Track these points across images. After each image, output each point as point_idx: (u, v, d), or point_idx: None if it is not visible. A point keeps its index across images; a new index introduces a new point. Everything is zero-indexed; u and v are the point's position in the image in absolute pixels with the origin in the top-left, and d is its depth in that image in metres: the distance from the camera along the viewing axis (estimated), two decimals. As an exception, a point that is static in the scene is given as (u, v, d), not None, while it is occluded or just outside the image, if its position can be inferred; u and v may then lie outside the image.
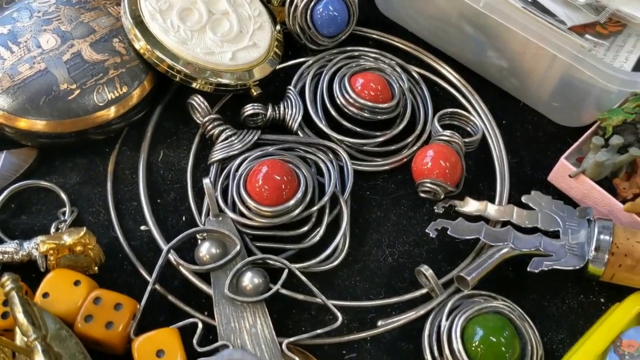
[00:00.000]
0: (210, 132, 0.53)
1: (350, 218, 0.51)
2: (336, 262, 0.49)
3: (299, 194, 0.48)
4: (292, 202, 0.48)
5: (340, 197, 0.51)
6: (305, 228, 0.49)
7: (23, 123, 0.49)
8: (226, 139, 0.52)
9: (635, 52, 0.59)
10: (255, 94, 0.55)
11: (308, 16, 0.58)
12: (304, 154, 0.53)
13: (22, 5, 0.54)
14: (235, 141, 0.52)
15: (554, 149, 0.56)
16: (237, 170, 0.50)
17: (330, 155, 0.53)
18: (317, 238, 0.49)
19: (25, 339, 0.37)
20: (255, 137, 0.53)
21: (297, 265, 0.47)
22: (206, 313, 0.46)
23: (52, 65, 0.51)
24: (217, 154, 0.52)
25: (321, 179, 0.51)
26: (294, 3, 0.58)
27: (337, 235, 0.49)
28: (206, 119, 0.53)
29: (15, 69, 0.50)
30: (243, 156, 0.51)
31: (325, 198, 0.50)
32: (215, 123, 0.53)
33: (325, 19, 0.58)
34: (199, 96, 0.53)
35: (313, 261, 0.48)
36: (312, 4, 0.58)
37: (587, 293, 0.50)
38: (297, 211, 0.48)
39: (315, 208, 0.49)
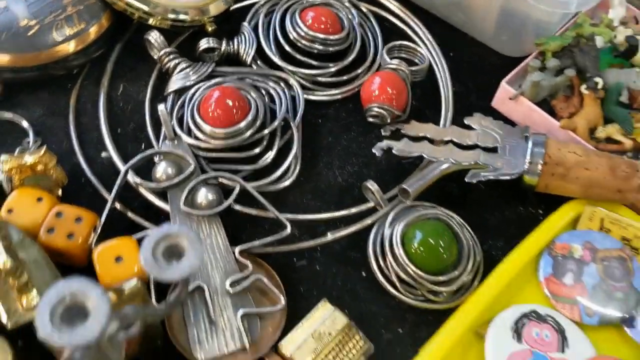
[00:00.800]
0: (167, 66, 0.55)
1: (303, 143, 0.54)
2: (288, 182, 0.52)
3: (250, 117, 0.51)
4: (243, 123, 0.50)
5: (291, 122, 0.53)
6: (257, 150, 0.52)
7: (-15, 58, 0.52)
8: (181, 70, 0.55)
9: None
10: (210, 29, 0.58)
11: None
12: (257, 83, 0.55)
13: (-17, -51, 0.56)
14: (191, 72, 0.55)
15: (498, 78, 0.59)
16: (191, 98, 0.53)
17: (283, 85, 0.56)
18: (269, 159, 0.52)
19: (-12, 241, 0.40)
20: (210, 69, 0.55)
21: (251, 184, 0.50)
22: (165, 229, 0.49)
23: (13, 3, 0.53)
24: (173, 85, 0.54)
25: (273, 106, 0.54)
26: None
27: (289, 157, 0.52)
28: (162, 52, 0.55)
29: (-23, 7, 0.52)
30: (198, 86, 0.54)
31: (276, 122, 0.52)
32: (171, 56, 0.55)
33: None
34: (156, 31, 0.56)
35: (265, 180, 0.51)
36: None
37: (526, 206, 0.53)
38: (248, 133, 0.51)
39: (266, 131, 0.52)
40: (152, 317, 0.34)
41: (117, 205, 0.49)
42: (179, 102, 0.53)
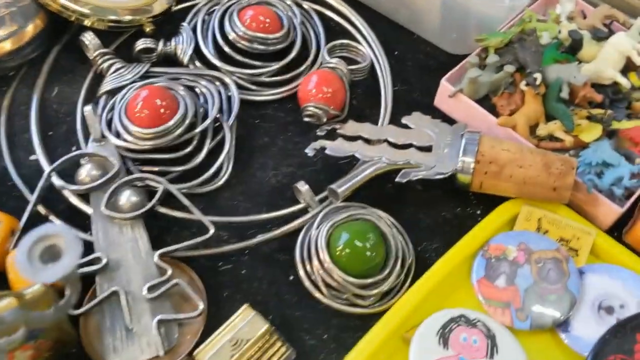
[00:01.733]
0: (100, 66, 0.55)
1: (238, 144, 0.53)
2: (219, 183, 0.51)
3: (178, 116, 0.50)
4: (171, 122, 0.50)
5: (223, 122, 0.52)
6: (187, 150, 0.51)
7: None
8: (115, 71, 0.54)
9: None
10: (148, 30, 0.57)
11: None
12: (190, 83, 0.54)
13: None
14: (125, 73, 0.54)
15: (443, 76, 0.58)
16: (121, 99, 0.52)
17: (218, 84, 0.55)
18: (199, 160, 0.51)
19: None
20: (144, 69, 0.54)
21: (179, 186, 0.49)
22: (89, 233, 0.48)
23: (-58, 5, 0.53)
24: (105, 85, 0.54)
25: (206, 106, 0.53)
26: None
27: (220, 158, 0.51)
28: (96, 53, 0.55)
29: None
30: (129, 87, 0.53)
31: (207, 121, 0.51)
32: (105, 57, 0.55)
33: None
34: (90, 32, 0.55)
35: (195, 182, 0.50)
36: None
37: (464, 206, 0.52)
38: (176, 132, 0.50)
39: (196, 131, 0.51)
40: (37, 322, 0.33)
41: (41, 209, 0.48)
42: (110, 104, 0.53)
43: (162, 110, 0.50)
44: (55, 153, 0.52)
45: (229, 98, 0.54)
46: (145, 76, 0.54)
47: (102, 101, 0.53)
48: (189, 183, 0.50)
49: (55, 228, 0.31)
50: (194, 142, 0.51)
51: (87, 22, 0.55)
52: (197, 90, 0.54)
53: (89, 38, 0.55)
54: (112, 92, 0.54)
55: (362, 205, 0.49)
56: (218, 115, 0.52)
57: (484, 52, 0.56)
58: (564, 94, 0.52)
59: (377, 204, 0.50)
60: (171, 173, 0.51)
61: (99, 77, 0.56)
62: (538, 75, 0.52)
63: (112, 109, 0.52)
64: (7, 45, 0.53)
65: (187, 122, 0.50)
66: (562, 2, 0.59)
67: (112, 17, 0.55)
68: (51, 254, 0.31)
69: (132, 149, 0.50)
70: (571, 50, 0.55)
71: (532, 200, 0.49)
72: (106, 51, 0.55)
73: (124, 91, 0.53)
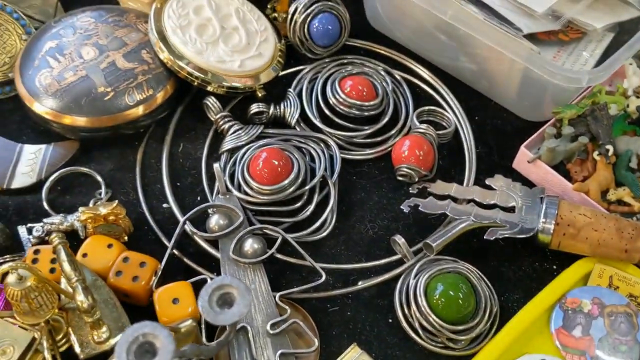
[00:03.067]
0: (222, 127, 0.63)
1: (338, 198, 0.60)
2: (324, 234, 0.58)
3: (292, 176, 0.58)
4: (286, 181, 0.57)
5: (328, 179, 0.60)
6: (298, 204, 0.58)
7: (67, 120, 0.60)
8: (234, 132, 0.62)
9: (594, 56, 0.67)
10: (260, 95, 0.65)
11: (305, 30, 0.68)
12: (299, 144, 0.62)
13: (67, 24, 0.65)
14: (242, 134, 0.62)
15: (519, 140, 0.64)
16: (242, 157, 0.60)
17: (322, 145, 0.62)
18: (308, 213, 0.58)
19: (68, 282, 0.47)
20: (259, 131, 0.63)
21: (291, 235, 0.56)
22: (215, 273, 0.55)
23: (92, 72, 0.62)
24: (226, 145, 0.62)
25: (313, 165, 0.61)
26: (294, 19, 0.68)
27: (325, 211, 0.59)
28: (218, 115, 0.63)
29: (62, 76, 0.61)
30: (248, 146, 0.61)
31: (315, 179, 0.59)
32: (226, 119, 0.63)
33: (320, 32, 0.67)
34: (213, 97, 0.63)
35: (304, 232, 0.57)
36: (309, 19, 0.68)
37: (541, 261, 0.58)
38: (290, 189, 0.58)
39: (306, 188, 0.59)
40: (206, 354, 0.40)
41: (175, 252, 0.56)
42: (231, 160, 0.61)
43: (279, 169, 0.57)
44: (184, 202, 0.60)
45: (331, 157, 0.62)
46: (259, 137, 0.62)
47: (223, 157, 0.61)
48: (300, 233, 0.57)
49: (229, 280, 0.38)
50: (304, 197, 0.59)
51: (209, 88, 0.63)
52: (304, 149, 0.62)
53: (212, 102, 0.63)
54: (231, 150, 0.62)
55: (454, 259, 0.55)
56: (323, 174, 0.60)
57: (559, 122, 0.63)
58: (633, 164, 0.58)
59: (463, 256, 0.57)
60: (284, 223, 0.58)
61: (217, 135, 0.64)
62: (610, 147, 0.58)
63: (233, 164, 0.60)
64: (141, 109, 0.62)
65: (299, 180, 0.58)
66: (629, 76, 0.66)
67: (230, 84, 0.64)
68: (224, 301, 0.39)
69: (252, 202, 0.58)
70: (638, 122, 0.62)
71: (604, 259, 0.56)
72: (226, 114, 0.63)
73: (243, 150, 0.61)
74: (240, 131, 0.62)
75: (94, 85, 0.61)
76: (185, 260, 0.56)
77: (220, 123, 0.63)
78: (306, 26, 0.68)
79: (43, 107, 0.60)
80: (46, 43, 0.64)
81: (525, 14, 0.64)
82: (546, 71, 0.58)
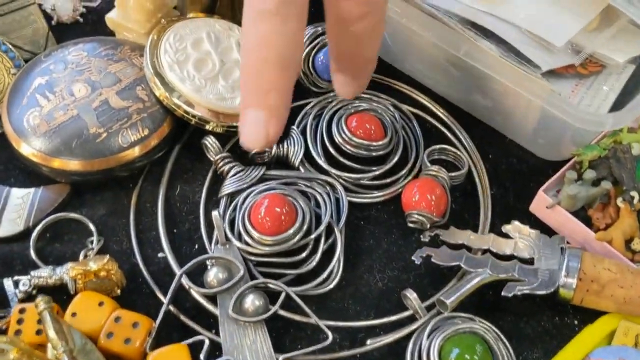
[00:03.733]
0: (221, 169, 0.59)
1: (345, 245, 0.56)
2: (330, 286, 0.54)
3: (297, 224, 0.54)
4: (290, 231, 0.54)
5: (335, 227, 0.56)
6: (303, 255, 0.55)
7: (57, 163, 0.57)
8: (235, 174, 0.59)
9: (615, 90, 0.63)
10: None
11: (310, 63, 0.64)
12: (304, 187, 0.59)
13: (58, 58, 0.62)
14: (243, 176, 0.59)
15: (536, 181, 0.61)
16: (243, 203, 0.57)
17: (328, 189, 0.59)
18: (314, 264, 0.55)
19: (55, 352, 0.44)
20: (261, 173, 0.59)
21: (295, 289, 0.53)
22: (213, 331, 0.52)
23: (83, 112, 0.58)
24: (226, 188, 0.58)
25: (318, 211, 0.57)
26: (298, 51, 0.64)
27: (332, 261, 0.55)
28: (217, 156, 0.59)
29: (52, 115, 0.58)
30: (249, 190, 0.57)
31: (321, 228, 0.55)
32: (226, 160, 0.59)
33: (325, 65, 0.64)
34: (212, 137, 0.60)
35: (309, 285, 0.54)
36: (314, 52, 0.64)
37: (562, 315, 0.55)
38: (295, 239, 0.54)
39: (312, 237, 0.55)
40: None
41: (171, 308, 0.53)
42: (232, 206, 0.57)
43: (282, 218, 0.54)
44: (181, 251, 0.57)
45: (337, 201, 0.58)
46: (262, 179, 0.59)
47: (222, 202, 0.58)
48: (305, 286, 0.54)
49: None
50: (309, 247, 0.55)
51: (207, 127, 0.60)
52: (309, 194, 0.58)
53: (211, 142, 0.60)
54: (231, 194, 0.58)
55: (470, 317, 0.52)
56: (329, 220, 0.56)
57: (579, 164, 0.59)
58: (660, 212, 0.55)
59: (479, 311, 0.53)
60: (287, 275, 0.55)
61: (216, 176, 0.61)
62: (635, 194, 0.55)
63: (233, 210, 0.57)
64: (137, 150, 0.58)
65: (304, 228, 0.54)
66: (652, 113, 0.62)
67: (230, 123, 0.60)
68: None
69: (253, 252, 0.54)
70: (663, 164, 0.58)
71: (630, 316, 0.52)
72: (226, 155, 0.60)
73: (244, 194, 0.57)
74: (241, 173, 0.59)
75: (86, 125, 0.57)
76: (182, 317, 0.52)
77: (220, 164, 0.59)
78: (310, 59, 0.64)
79: (31, 149, 0.57)
80: (35, 79, 0.60)
81: (543, 49, 0.60)
82: (567, 114, 0.54)
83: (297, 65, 0.48)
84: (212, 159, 0.60)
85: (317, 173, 0.60)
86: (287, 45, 0.46)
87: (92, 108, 0.58)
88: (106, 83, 0.60)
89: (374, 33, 0.52)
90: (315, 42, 0.64)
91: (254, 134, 0.47)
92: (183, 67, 0.60)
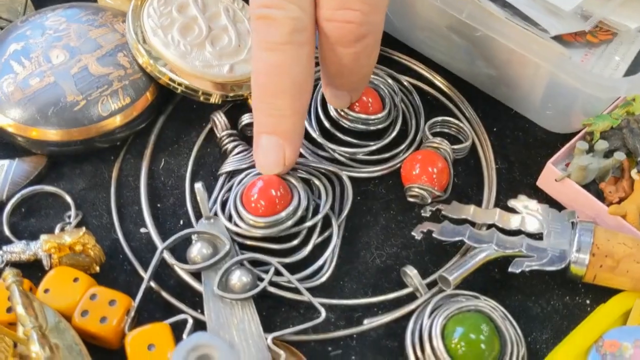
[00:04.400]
0: (225, 146, 0.56)
1: (341, 222, 0.53)
2: (322, 280, 0.50)
3: (291, 208, 0.50)
4: (283, 214, 0.49)
5: (333, 219, 0.52)
6: (294, 242, 0.51)
7: (34, 132, 0.53)
8: (238, 153, 0.55)
9: (626, 60, 0.60)
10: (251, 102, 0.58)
11: None
12: (306, 175, 0.54)
13: (36, 24, 0.58)
14: (247, 156, 0.55)
15: (544, 155, 0.57)
16: (238, 183, 0.53)
17: (333, 178, 0.55)
18: (304, 254, 0.50)
19: (23, 329, 0.40)
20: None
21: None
22: (199, 310, 0.48)
23: (61, 78, 0.54)
24: (226, 166, 0.54)
25: (319, 201, 0.53)
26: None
27: (324, 255, 0.51)
28: (223, 133, 0.56)
29: (27, 82, 0.54)
30: (248, 171, 0.54)
31: (317, 217, 0.51)
32: (231, 138, 0.56)
33: None
34: (221, 112, 0.56)
35: (299, 275, 0.49)
36: None
37: (573, 294, 0.51)
38: (287, 224, 0.50)
39: (305, 225, 0.51)
40: None
41: (153, 285, 0.49)
42: (227, 186, 0.53)
43: (276, 201, 0.50)
44: (164, 227, 0.53)
45: (342, 192, 0.54)
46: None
47: (220, 180, 0.54)
48: (294, 276, 0.49)
49: (209, 339, 0.31)
50: (302, 236, 0.51)
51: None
52: (312, 182, 0.54)
53: (219, 118, 0.56)
54: (231, 173, 0.54)
55: (474, 295, 0.48)
56: (328, 212, 0.52)
57: (589, 135, 0.55)
58: (678, 184, 0.51)
59: (484, 290, 0.49)
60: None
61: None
62: (651, 165, 0.51)
63: (228, 190, 0.53)
64: (118, 119, 0.54)
65: (298, 214, 0.50)
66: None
67: (220, 92, 0.56)
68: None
69: (242, 234, 0.50)
70: (680, 135, 0.55)
71: (646, 294, 0.48)
72: (232, 132, 0.56)
73: (242, 175, 0.53)
74: (244, 152, 0.55)
75: (63, 93, 0.54)
76: (164, 294, 0.49)
77: (225, 141, 0.56)
78: None
79: (5, 119, 0.53)
80: (11, 45, 0.56)
81: (551, 13, 0.57)
82: (578, 79, 0.51)
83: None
84: (218, 135, 0.56)
85: (321, 162, 0.56)
86: (300, 71, 0.45)
87: (71, 75, 0.54)
88: (86, 49, 0.56)
89: (372, 51, 0.49)
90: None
91: (270, 160, 0.49)
92: (167, 32, 0.57)
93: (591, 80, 0.50)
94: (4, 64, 0.55)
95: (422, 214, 0.53)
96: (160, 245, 0.51)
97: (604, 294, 0.50)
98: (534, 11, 0.56)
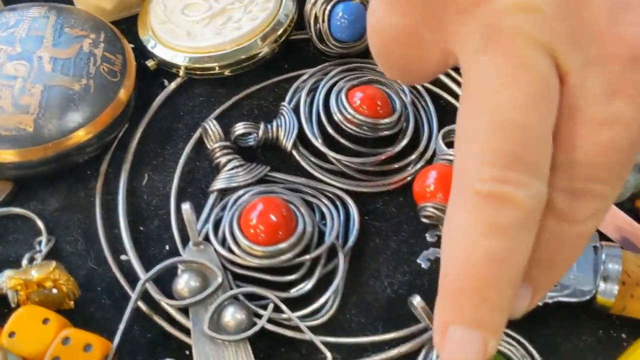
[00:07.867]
0: (217, 160, 0.50)
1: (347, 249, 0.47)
2: (324, 319, 0.44)
3: (294, 238, 0.44)
4: (285, 244, 0.44)
5: (339, 249, 0.46)
6: (294, 276, 0.45)
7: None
8: (232, 169, 0.49)
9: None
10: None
11: (326, 17, 0.54)
12: (309, 198, 0.49)
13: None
14: (241, 173, 0.49)
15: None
16: (234, 203, 0.47)
17: (338, 203, 0.49)
18: (306, 290, 0.45)
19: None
20: (263, 173, 0.49)
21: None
22: (187, 352, 0.43)
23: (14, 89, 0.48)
24: (218, 183, 0.48)
25: (323, 228, 0.47)
26: None
27: (328, 291, 0.45)
28: (216, 145, 0.50)
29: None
30: (245, 189, 0.48)
31: (322, 248, 0.45)
32: (225, 151, 0.50)
33: (344, 24, 0.54)
34: (213, 121, 0.51)
35: (298, 313, 0.44)
36: (331, 4, 0.54)
37: (607, 328, 0.45)
38: (288, 255, 0.44)
39: (308, 257, 0.45)
40: None
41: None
42: (221, 204, 0.48)
43: (278, 228, 0.44)
44: (148, 253, 0.47)
45: (347, 217, 0.48)
46: (262, 180, 0.49)
47: (211, 198, 0.48)
48: (295, 313, 0.43)
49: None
50: (304, 269, 0.45)
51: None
52: (315, 205, 0.49)
53: (211, 126, 0.50)
54: (223, 191, 0.49)
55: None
56: (334, 241, 0.46)
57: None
58: None
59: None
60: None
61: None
62: (694, 182, 0.46)
63: (222, 209, 0.47)
64: (82, 133, 0.48)
65: (302, 244, 0.45)
66: None
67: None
68: None
69: (236, 263, 0.45)
70: None
71: (691, 329, 0.43)
72: (226, 144, 0.50)
73: (238, 193, 0.47)
74: (239, 169, 0.49)
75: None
76: (148, 335, 0.43)
77: (217, 155, 0.49)
78: (326, 13, 0.54)
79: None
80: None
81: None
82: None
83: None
84: (209, 146, 0.50)
85: (325, 185, 0.50)
86: (525, 258, 0.33)
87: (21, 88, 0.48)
88: (46, 53, 0.50)
89: (589, 235, 0.37)
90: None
91: (468, 357, 0.38)
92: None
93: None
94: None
95: (428, 239, 0.48)
96: (142, 275, 0.45)
97: (641, 326, 0.44)
98: None
